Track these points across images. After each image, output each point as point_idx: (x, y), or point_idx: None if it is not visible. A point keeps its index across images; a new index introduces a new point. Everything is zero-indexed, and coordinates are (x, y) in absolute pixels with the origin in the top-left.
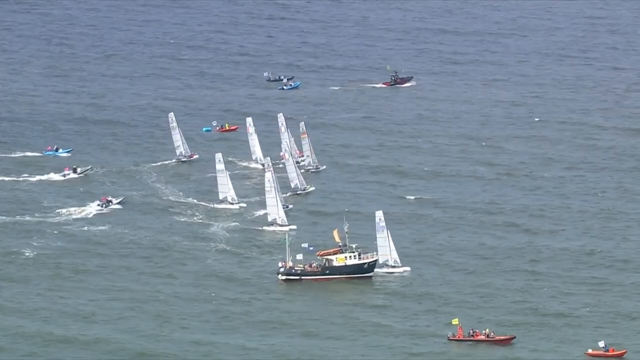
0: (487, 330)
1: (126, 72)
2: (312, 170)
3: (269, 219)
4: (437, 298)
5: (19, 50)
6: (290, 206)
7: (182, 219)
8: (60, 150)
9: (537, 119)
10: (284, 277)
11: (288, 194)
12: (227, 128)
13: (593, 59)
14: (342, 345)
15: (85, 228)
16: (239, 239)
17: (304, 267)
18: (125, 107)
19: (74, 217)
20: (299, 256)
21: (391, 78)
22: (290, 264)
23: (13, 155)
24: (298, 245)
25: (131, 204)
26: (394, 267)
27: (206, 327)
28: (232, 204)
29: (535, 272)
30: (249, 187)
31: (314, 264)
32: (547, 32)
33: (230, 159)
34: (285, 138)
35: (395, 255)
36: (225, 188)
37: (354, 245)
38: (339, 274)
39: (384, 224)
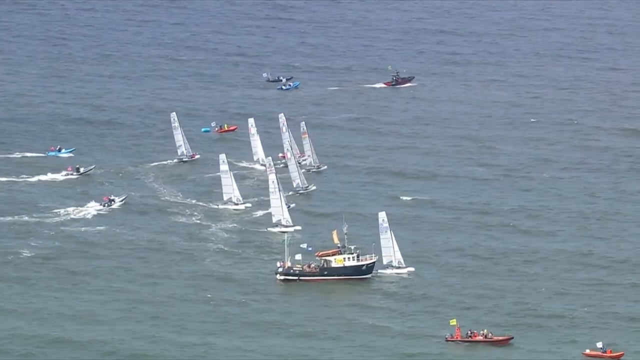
0: (485, 330)
1: (124, 72)
2: (313, 170)
3: (274, 220)
4: (434, 299)
5: (17, 51)
6: (293, 205)
7: (181, 220)
8: (63, 150)
9: (533, 120)
10: (282, 277)
11: (290, 193)
12: (226, 128)
13: (591, 59)
14: (339, 346)
15: (83, 229)
16: (238, 240)
17: (302, 268)
18: (124, 107)
19: (72, 217)
20: (298, 256)
21: (392, 78)
22: (288, 264)
23: (11, 155)
24: (297, 245)
25: (130, 205)
26: (398, 268)
27: (203, 328)
28: (237, 204)
29: (533, 272)
30: (250, 187)
31: (313, 265)
32: (545, 33)
33: (228, 159)
34: (286, 138)
35: (399, 256)
36: (230, 189)
37: (352, 247)
38: (337, 275)
39: (387, 224)
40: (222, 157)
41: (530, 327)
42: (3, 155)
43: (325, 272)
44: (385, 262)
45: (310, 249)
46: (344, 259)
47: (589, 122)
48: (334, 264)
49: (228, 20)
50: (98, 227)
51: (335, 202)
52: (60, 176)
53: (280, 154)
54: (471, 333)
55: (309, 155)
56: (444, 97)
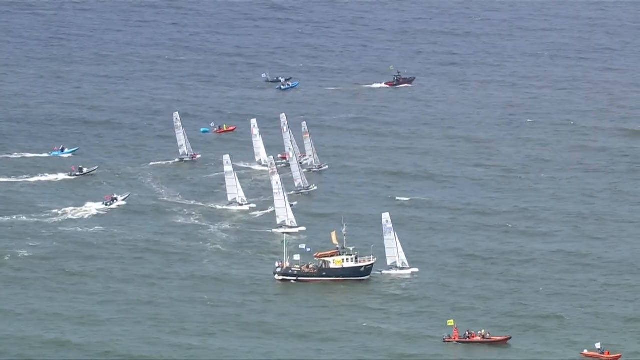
0: (483, 331)
1: (122, 73)
2: (315, 169)
3: (278, 221)
4: (432, 300)
5: (15, 51)
6: (295, 203)
7: (179, 220)
8: (66, 150)
9: (529, 120)
10: (280, 278)
11: (291, 193)
12: (225, 129)
13: (589, 60)
14: (336, 347)
15: (81, 229)
16: (236, 240)
17: (300, 268)
18: (122, 108)
19: (70, 217)
20: (297, 257)
21: (394, 78)
22: (287, 264)
23: (9, 156)
24: (295, 246)
25: (128, 205)
26: (401, 269)
27: (201, 329)
28: (241, 205)
29: (530, 273)
30: (248, 188)
31: (311, 265)
32: (543, 33)
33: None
34: (287, 138)
35: (403, 256)
36: (234, 189)
37: (351, 248)
38: (335, 276)
39: (391, 225)
40: (226, 158)
41: (527, 327)
42: (1, 156)
43: (324, 273)
44: (389, 262)
45: (308, 249)
46: (343, 260)
47: (586, 123)
48: (332, 265)
49: (226, 20)
50: (96, 228)
51: (334, 202)
52: (58, 177)
53: (280, 155)
54: (469, 334)
55: (310, 155)
56: (442, 97)
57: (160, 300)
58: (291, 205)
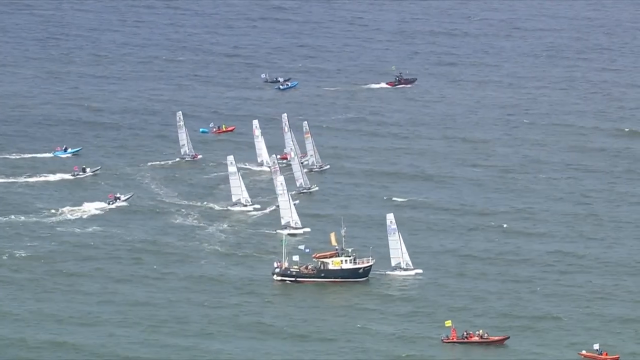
0: (481, 331)
1: (120, 73)
2: (316, 169)
3: (283, 222)
4: (430, 301)
5: (13, 52)
6: (297, 202)
7: (177, 221)
8: (69, 150)
9: (525, 121)
10: (279, 278)
11: (293, 193)
12: (224, 129)
13: (587, 60)
14: (335, 348)
15: (79, 230)
16: (234, 241)
17: (299, 269)
18: (120, 108)
19: (68, 218)
20: (295, 257)
21: (395, 78)
22: (285, 264)
23: (7, 156)
24: (294, 246)
25: (126, 205)
26: (405, 270)
27: (198, 330)
28: (245, 205)
29: (528, 274)
30: (247, 189)
31: (310, 266)
32: (541, 34)
33: (224, 162)
34: (289, 138)
35: (407, 258)
36: (238, 190)
37: (350, 249)
38: (334, 278)
39: (395, 226)
40: (230, 158)
41: (525, 328)
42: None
43: (322, 274)
44: (393, 263)
45: (307, 250)
46: (341, 261)
47: (584, 123)
48: (331, 266)
49: (224, 20)
50: (94, 228)
51: (333, 203)
52: (56, 177)
53: (279, 155)
54: (467, 334)
55: (311, 155)
56: (439, 97)
57: (157, 301)
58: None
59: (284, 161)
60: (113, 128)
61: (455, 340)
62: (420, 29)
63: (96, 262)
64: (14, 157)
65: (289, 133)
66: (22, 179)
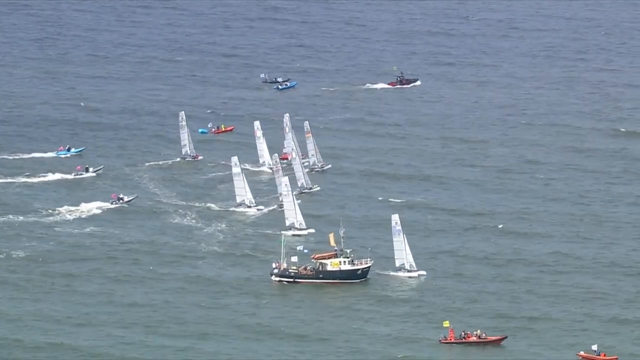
0: (479, 331)
1: (118, 73)
2: (317, 169)
3: (287, 223)
4: (427, 301)
5: (11, 52)
6: (299, 201)
7: (175, 221)
8: (73, 150)
9: (523, 121)
10: (277, 279)
11: (295, 193)
12: (223, 129)
13: (585, 60)
14: (331, 349)
15: (77, 230)
16: (233, 241)
17: (298, 270)
18: (118, 108)
19: (66, 218)
20: (294, 258)
21: (397, 79)
22: (284, 265)
23: (5, 157)
24: (293, 247)
25: (125, 206)
26: (409, 271)
27: (195, 332)
28: (249, 207)
29: (525, 275)
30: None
31: (309, 267)
32: (539, 34)
33: (222, 162)
34: (289, 138)
35: (410, 259)
36: (242, 191)
37: (348, 251)
38: (332, 279)
39: (400, 227)
40: (234, 159)
41: (523, 329)
42: None
43: (321, 275)
44: (397, 264)
45: (306, 251)
46: (340, 262)
47: (582, 124)
48: (329, 267)
49: (222, 20)
50: (92, 228)
51: (332, 204)
52: (55, 177)
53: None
54: (465, 334)
55: (312, 155)
56: (437, 98)
57: (155, 301)
58: (281, 207)
59: (284, 161)
60: (111, 128)
61: (453, 340)
62: (418, 29)
63: (94, 263)
64: (11, 158)
65: (290, 133)
66: (20, 179)
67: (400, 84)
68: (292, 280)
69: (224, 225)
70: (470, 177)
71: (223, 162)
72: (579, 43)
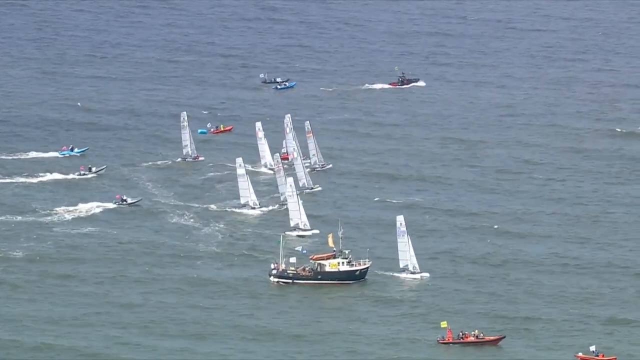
0: (477, 331)
1: (116, 73)
2: (318, 169)
3: (292, 224)
4: (425, 302)
5: (9, 52)
6: (300, 201)
7: (173, 221)
8: (76, 150)
9: (520, 122)
10: (276, 280)
11: (297, 193)
12: (222, 129)
13: (583, 61)
14: (329, 349)
15: (75, 231)
16: (231, 242)
17: (296, 271)
18: (116, 108)
19: (64, 219)
20: (293, 259)
21: (398, 79)
22: (282, 266)
23: (3, 157)
24: (292, 247)
25: (123, 206)
26: (413, 272)
27: (192, 333)
28: (253, 208)
29: (523, 276)
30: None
31: (307, 268)
32: (537, 34)
33: (227, 161)
34: (290, 139)
35: (414, 260)
36: (247, 192)
37: (347, 251)
38: (331, 280)
39: (404, 228)
40: (239, 160)
41: (521, 330)
42: None
43: (319, 276)
44: (401, 265)
45: (305, 252)
46: (338, 263)
47: (580, 124)
48: (328, 268)
49: (220, 21)
50: (89, 229)
51: (331, 204)
52: (53, 177)
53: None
54: (462, 334)
55: (313, 155)
56: (435, 98)
57: (152, 302)
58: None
59: (284, 161)
60: (109, 129)
61: (451, 340)
62: (416, 29)
63: (91, 263)
64: (9, 158)
65: (291, 134)
66: (18, 179)
67: (401, 84)
68: (290, 281)
69: (222, 226)
70: (469, 177)
71: (222, 162)
72: (577, 43)
